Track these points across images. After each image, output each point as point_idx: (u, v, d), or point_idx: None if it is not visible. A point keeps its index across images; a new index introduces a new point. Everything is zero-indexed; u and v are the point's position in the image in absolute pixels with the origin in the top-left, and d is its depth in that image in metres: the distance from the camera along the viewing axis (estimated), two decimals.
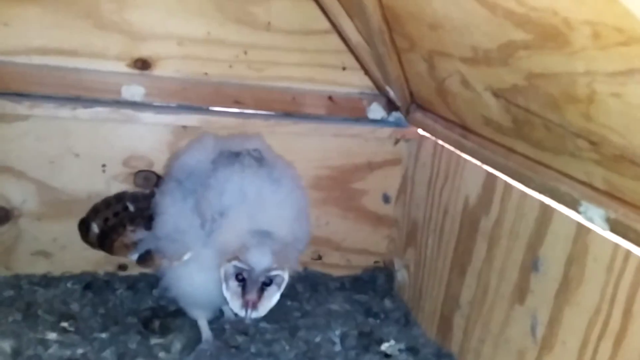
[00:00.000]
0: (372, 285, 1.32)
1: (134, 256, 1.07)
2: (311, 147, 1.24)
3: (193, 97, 1.18)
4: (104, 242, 1.10)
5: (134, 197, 1.14)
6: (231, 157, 0.99)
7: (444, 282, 1.14)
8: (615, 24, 0.51)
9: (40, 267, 1.17)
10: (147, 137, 1.16)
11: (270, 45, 1.20)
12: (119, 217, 1.11)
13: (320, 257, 1.33)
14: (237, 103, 1.21)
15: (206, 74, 1.20)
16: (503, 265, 0.97)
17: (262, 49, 1.20)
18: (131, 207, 1.12)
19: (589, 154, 0.71)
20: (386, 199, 1.32)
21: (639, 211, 0.68)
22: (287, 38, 1.21)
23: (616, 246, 0.75)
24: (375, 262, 1.36)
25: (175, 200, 0.99)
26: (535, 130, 0.79)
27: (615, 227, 0.72)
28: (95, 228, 1.11)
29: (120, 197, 1.14)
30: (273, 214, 0.93)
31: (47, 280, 1.17)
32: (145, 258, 1.06)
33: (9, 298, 1.11)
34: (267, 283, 0.92)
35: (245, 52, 1.20)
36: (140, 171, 1.17)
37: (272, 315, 1.13)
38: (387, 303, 1.26)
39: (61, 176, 1.15)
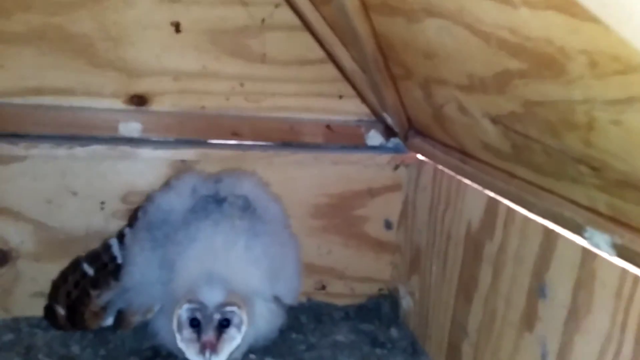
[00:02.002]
0: (377, 314, 1.30)
1: (108, 321, 1.03)
2: (310, 176, 1.23)
3: (191, 131, 1.18)
4: (74, 319, 1.05)
5: (91, 258, 1.09)
6: (212, 205, 0.97)
7: (450, 309, 1.12)
8: (612, 53, 0.51)
9: (39, 309, 1.15)
10: (145, 173, 1.16)
11: (267, 76, 1.21)
12: (81, 287, 1.06)
13: (324, 287, 1.31)
14: (234, 135, 1.20)
15: (203, 107, 1.20)
16: (509, 291, 0.95)
17: (259, 81, 1.21)
18: (90, 271, 1.08)
19: (591, 180, 0.70)
20: (388, 225, 1.31)
21: None
22: (283, 69, 1.21)
23: (624, 271, 0.74)
24: (380, 289, 1.34)
25: (143, 250, 0.96)
26: (535, 155, 0.78)
27: (622, 252, 0.71)
28: (60, 310, 1.06)
29: (75, 264, 1.09)
30: (240, 270, 0.91)
31: (46, 323, 1.15)
32: (120, 319, 1.02)
33: (8, 342, 1.09)
34: (225, 324, 0.89)
35: (242, 84, 1.20)
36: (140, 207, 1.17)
37: (277, 348, 1.12)
38: (393, 332, 1.24)
39: (59, 215, 1.14)
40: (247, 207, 0.98)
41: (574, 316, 0.82)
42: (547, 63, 0.60)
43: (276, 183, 1.16)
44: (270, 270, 0.95)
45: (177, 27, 1.15)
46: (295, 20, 1.19)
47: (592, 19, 0.50)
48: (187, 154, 1.16)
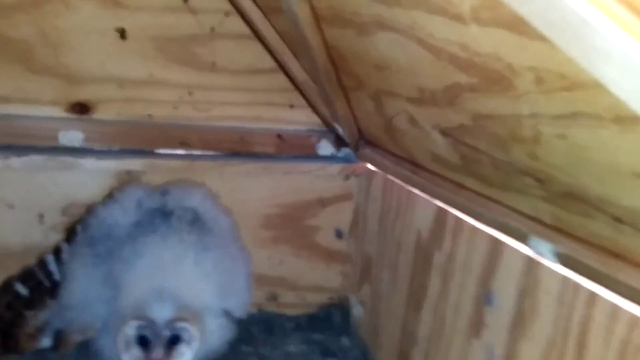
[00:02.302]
0: (329, 323, 1.30)
1: (46, 343, 0.98)
2: (261, 186, 1.22)
3: (136, 140, 1.15)
4: (8, 343, 0.98)
5: (24, 277, 1.03)
6: (159, 218, 0.94)
7: (400, 318, 1.13)
8: (559, 70, 0.53)
9: None
10: (88, 184, 1.11)
11: (216, 85, 1.19)
12: (14, 308, 1.00)
13: (275, 297, 1.30)
14: (183, 144, 1.18)
15: (150, 115, 1.17)
16: (458, 300, 0.97)
17: (208, 89, 1.19)
18: (23, 291, 1.02)
19: (536, 191, 0.72)
20: (339, 234, 1.31)
21: (588, 246, 0.69)
22: (233, 78, 1.19)
23: (565, 278, 0.77)
24: (331, 299, 1.34)
25: (84, 266, 0.92)
26: (483, 167, 0.80)
27: (565, 261, 0.74)
28: None
29: (6, 285, 1.03)
30: (190, 286, 0.89)
31: None
32: (59, 340, 0.97)
33: None
34: (175, 340, 0.86)
35: (190, 93, 1.18)
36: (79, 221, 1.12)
37: None
38: (345, 341, 1.24)
39: None
40: (195, 221, 0.95)
41: (519, 323, 0.84)
42: (496, 78, 0.62)
43: (226, 194, 1.15)
44: (221, 284, 0.93)
45: (122, 33, 1.11)
46: (246, 29, 1.18)
47: (540, 37, 0.52)
48: (133, 164, 1.13)
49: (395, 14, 0.70)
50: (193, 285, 0.89)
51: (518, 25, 0.53)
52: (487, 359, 0.89)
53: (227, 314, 0.99)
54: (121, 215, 0.95)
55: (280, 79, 1.22)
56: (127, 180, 1.12)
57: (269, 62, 1.21)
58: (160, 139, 1.16)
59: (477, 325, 0.92)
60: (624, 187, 0.57)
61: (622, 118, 0.51)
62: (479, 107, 0.70)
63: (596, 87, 0.51)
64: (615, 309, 0.70)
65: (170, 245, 0.90)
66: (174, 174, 1.13)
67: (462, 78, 0.67)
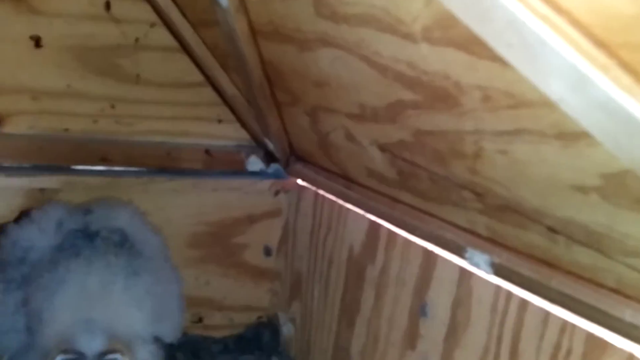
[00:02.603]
0: (258, 344, 1.27)
1: None
2: (188, 204, 1.17)
3: (51, 156, 1.07)
4: None
5: None
6: (82, 240, 0.87)
7: (332, 334, 1.13)
8: (506, 89, 0.56)
9: None
10: None
11: (140, 98, 1.14)
12: None
13: (200, 320, 1.25)
14: (104, 160, 1.11)
15: (67, 130, 1.09)
16: (392, 312, 0.99)
17: (131, 103, 1.13)
18: None
19: (473, 204, 0.76)
20: (267, 251, 1.29)
21: (521, 255, 0.73)
22: (159, 91, 1.15)
23: (498, 287, 0.80)
24: (259, 317, 1.31)
25: None
26: (421, 182, 0.83)
27: (500, 271, 0.77)
28: None
29: None
30: (120, 314, 0.84)
31: None
32: None
33: None
34: None
35: (113, 106, 1.12)
36: None
37: None
38: None
39: None
40: (123, 242, 0.89)
41: (454, 332, 0.87)
42: (442, 96, 0.64)
43: (151, 212, 1.09)
44: (153, 310, 0.88)
45: (37, 41, 1.04)
46: (172, 41, 1.15)
47: (490, 57, 0.55)
48: (47, 181, 1.05)
49: (341, 31, 0.71)
50: (123, 313, 0.83)
51: (469, 45, 0.56)
52: None
53: (157, 340, 0.93)
54: (39, 237, 0.87)
55: (208, 93, 1.19)
56: (40, 199, 1.03)
57: (196, 76, 1.18)
58: (79, 154, 1.09)
59: (411, 337, 0.94)
60: (561, 199, 0.61)
61: (565, 134, 0.54)
62: (421, 124, 0.72)
63: (542, 105, 0.54)
64: (546, 315, 0.74)
65: (96, 269, 0.84)
66: (94, 191, 1.06)
67: (407, 95, 0.69)
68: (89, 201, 1.02)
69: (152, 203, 1.04)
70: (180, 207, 1.16)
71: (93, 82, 1.10)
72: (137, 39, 1.12)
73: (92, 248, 0.86)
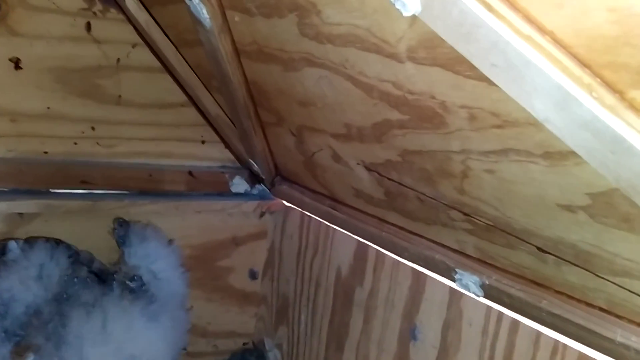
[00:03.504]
0: None
1: None
2: (171, 227, 1.15)
3: (30, 180, 1.04)
4: None
5: None
6: (92, 284, 0.84)
7: (321, 359, 1.10)
8: (492, 109, 0.55)
9: None
10: None
11: (122, 119, 1.12)
12: None
13: (184, 348, 1.21)
14: (84, 183, 1.09)
15: (46, 152, 1.07)
16: (381, 336, 0.97)
17: (113, 124, 1.11)
18: None
19: (461, 224, 0.75)
20: (253, 275, 1.27)
21: (511, 276, 0.72)
22: (140, 112, 1.13)
23: (488, 309, 0.79)
24: (245, 343, 1.28)
25: None
26: (408, 202, 0.82)
27: (490, 292, 0.76)
28: None
29: None
30: (146, 352, 0.82)
31: None
32: None
33: None
34: None
35: (93, 128, 1.10)
36: None
37: None
38: None
39: None
40: (141, 288, 0.86)
41: (444, 356, 0.85)
42: (428, 116, 0.64)
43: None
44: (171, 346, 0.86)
45: (16, 63, 1.02)
46: (154, 62, 1.14)
47: (475, 77, 0.54)
48: (26, 205, 1.02)
49: (326, 51, 0.70)
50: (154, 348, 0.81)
51: (454, 65, 0.55)
52: None
53: None
54: (20, 289, 0.82)
55: (191, 113, 1.18)
56: (19, 223, 1.00)
57: (179, 96, 1.16)
58: (59, 177, 1.06)
59: None
60: (550, 219, 0.60)
61: (552, 154, 0.54)
62: (407, 144, 0.71)
63: (528, 124, 0.54)
64: (537, 337, 0.73)
65: (112, 316, 0.81)
66: (74, 216, 1.04)
67: (393, 115, 0.69)
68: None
69: None
70: (163, 230, 1.13)
71: (73, 103, 1.08)
72: (118, 60, 1.11)
73: (106, 294, 0.83)
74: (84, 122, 1.10)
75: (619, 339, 0.61)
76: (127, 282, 0.87)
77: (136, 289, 0.86)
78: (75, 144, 1.09)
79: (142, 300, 0.87)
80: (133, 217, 1.07)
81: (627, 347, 0.60)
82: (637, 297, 0.57)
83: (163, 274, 0.94)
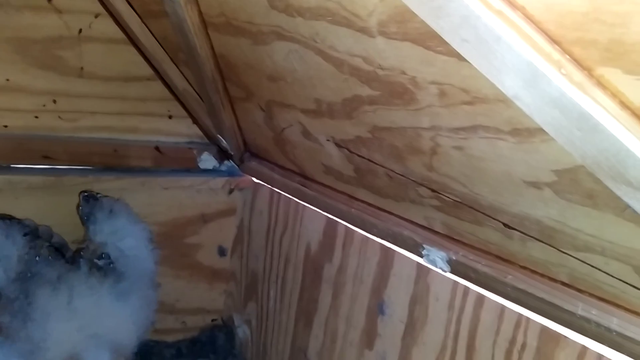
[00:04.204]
0: (212, 347, 1.24)
1: None
2: (138, 203, 1.12)
3: None
4: None
5: None
6: (55, 261, 0.82)
7: (289, 334, 1.11)
8: (462, 85, 0.55)
9: None
10: None
11: (84, 92, 1.09)
12: None
13: (151, 324, 1.20)
14: (46, 158, 1.05)
15: (6, 126, 1.03)
16: (350, 311, 0.98)
17: (75, 97, 1.08)
18: None
19: (430, 201, 0.75)
20: (222, 251, 1.26)
21: (477, 252, 0.73)
22: (104, 85, 1.10)
23: (455, 283, 0.81)
24: (213, 320, 1.28)
25: None
26: (378, 178, 0.82)
27: (456, 267, 0.77)
28: None
29: None
30: (120, 327, 0.81)
31: None
32: None
33: None
34: None
35: (55, 101, 1.06)
36: None
37: None
38: None
39: None
40: (109, 267, 0.84)
41: (411, 330, 0.87)
42: (399, 92, 0.63)
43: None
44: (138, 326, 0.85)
45: None
46: (118, 33, 1.10)
47: (446, 52, 0.54)
48: None
49: (296, 25, 0.69)
50: (121, 326, 0.79)
51: (425, 40, 0.55)
52: None
53: None
54: None
55: (157, 87, 1.15)
56: None
57: (144, 69, 1.13)
58: (19, 152, 1.03)
59: (369, 336, 0.93)
60: (516, 195, 0.61)
61: (520, 130, 0.54)
62: (378, 120, 0.71)
63: (497, 101, 0.54)
64: (502, 311, 0.74)
65: (79, 294, 0.79)
66: (37, 192, 1.00)
67: (364, 91, 0.68)
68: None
69: None
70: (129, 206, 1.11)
71: (34, 75, 1.04)
72: (80, 30, 1.07)
73: (72, 270, 0.80)
74: (45, 95, 1.06)
75: (580, 312, 0.62)
76: (95, 260, 0.84)
77: (104, 266, 0.85)
78: (36, 117, 1.06)
79: (110, 278, 0.85)
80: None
81: (587, 320, 0.62)
82: (598, 271, 0.58)
83: (132, 252, 0.92)
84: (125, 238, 0.95)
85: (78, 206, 0.98)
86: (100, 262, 0.85)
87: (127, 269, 0.89)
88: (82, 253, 0.87)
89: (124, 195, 1.10)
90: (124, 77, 1.12)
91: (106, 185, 1.09)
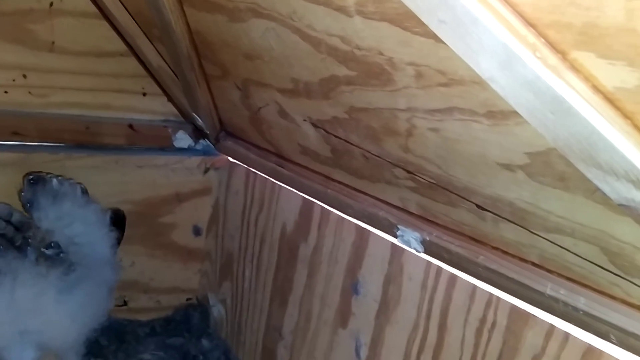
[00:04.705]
0: (187, 326, 1.24)
1: None
2: (110, 181, 1.11)
3: None
4: None
5: None
6: (4, 249, 0.79)
7: (264, 314, 1.12)
8: (439, 67, 0.55)
9: None
10: None
11: (56, 67, 1.06)
12: None
13: (125, 303, 1.20)
14: (16, 135, 1.03)
15: None
16: (324, 291, 0.98)
17: (46, 72, 1.05)
18: None
19: (405, 182, 0.76)
20: (197, 231, 1.25)
21: (451, 232, 0.74)
22: (76, 60, 1.07)
23: (428, 264, 0.82)
24: (188, 299, 1.28)
25: None
26: (354, 159, 0.82)
27: (430, 248, 0.78)
28: None
29: None
30: (55, 325, 0.78)
31: None
32: None
33: None
34: None
35: (25, 76, 1.04)
36: None
37: None
38: (205, 343, 1.20)
39: None
40: (58, 257, 0.81)
41: (385, 309, 0.88)
42: (376, 72, 0.63)
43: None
44: (86, 314, 0.82)
45: None
46: (90, 6, 1.07)
47: (423, 33, 0.54)
48: None
49: (273, 2, 0.68)
50: (56, 324, 0.77)
51: (403, 20, 0.54)
52: (354, 346, 0.92)
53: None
54: None
55: (131, 63, 1.12)
56: None
57: (118, 44, 1.10)
58: None
59: (343, 315, 0.94)
60: (490, 177, 0.62)
61: (494, 113, 0.55)
62: (355, 101, 0.71)
63: (473, 83, 0.54)
64: (473, 290, 0.76)
65: (22, 284, 0.76)
66: (5, 168, 0.98)
67: (341, 71, 0.68)
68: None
69: None
70: (102, 185, 1.09)
71: (3, 49, 1.01)
72: (51, 3, 1.03)
73: (18, 258, 0.77)
74: (15, 70, 1.03)
75: (549, 292, 0.64)
76: (43, 249, 0.81)
77: (52, 256, 0.81)
78: (6, 92, 1.03)
79: (58, 269, 0.81)
80: (69, 171, 1.03)
81: (556, 300, 0.63)
82: (567, 252, 0.60)
83: (82, 238, 0.88)
84: (73, 223, 0.90)
85: (20, 192, 0.91)
86: (49, 252, 0.81)
87: (79, 257, 0.85)
88: (30, 241, 0.83)
89: (96, 174, 1.09)
90: (96, 53, 1.10)
91: (78, 162, 1.07)
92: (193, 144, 1.21)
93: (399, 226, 0.81)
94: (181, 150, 1.20)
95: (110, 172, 1.11)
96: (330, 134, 0.81)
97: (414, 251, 0.82)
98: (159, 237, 1.20)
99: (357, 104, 0.71)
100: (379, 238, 0.89)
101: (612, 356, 0.62)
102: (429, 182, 0.71)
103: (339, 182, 0.90)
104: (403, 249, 0.84)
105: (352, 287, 0.93)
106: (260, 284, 1.12)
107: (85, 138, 1.10)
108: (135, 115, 1.15)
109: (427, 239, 0.78)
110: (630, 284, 0.55)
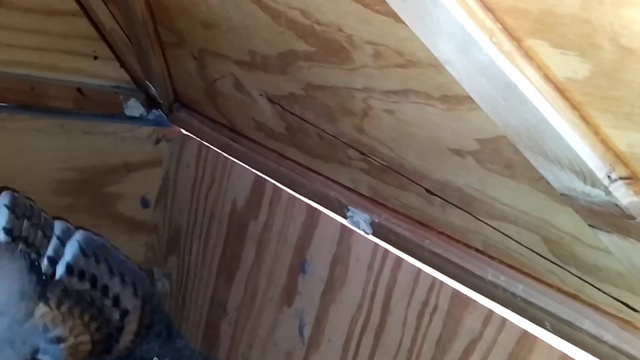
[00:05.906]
0: None
1: None
2: (55, 146, 1.07)
3: None
4: None
5: None
6: None
7: (209, 289, 1.10)
8: (397, 47, 0.55)
9: None
10: None
11: (2, 23, 1.00)
12: None
13: None
14: None
15: None
16: (272, 269, 0.98)
17: None
18: None
19: (358, 163, 0.76)
20: (144, 203, 1.22)
21: (399, 216, 0.75)
22: (23, 17, 1.02)
23: (376, 245, 0.82)
24: None
25: None
26: (309, 138, 0.81)
27: (378, 230, 0.79)
28: None
29: None
30: None
31: None
32: None
33: None
34: None
35: None
36: None
37: None
38: None
39: None
40: None
41: (330, 289, 0.88)
42: (335, 49, 0.62)
43: (10, 153, 0.98)
44: None
45: None
46: None
47: (383, 12, 0.53)
48: None
49: None
50: None
51: None
52: (298, 324, 0.92)
53: None
54: None
55: (83, 24, 1.07)
56: None
57: (68, 4, 1.05)
58: None
59: (289, 293, 0.94)
60: (440, 162, 0.62)
61: (449, 97, 0.55)
62: (312, 77, 0.70)
63: (429, 66, 0.54)
64: (417, 274, 0.77)
65: None
66: None
67: (300, 46, 0.66)
68: None
69: (11, 143, 0.93)
70: (46, 149, 1.05)
71: None
72: None
73: None
74: None
75: (490, 277, 0.65)
76: None
77: None
78: None
79: None
80: (11, 133, 0.98)
81: (496, 286, 0.65)
82: (510, 240, 0.61)
83: None
84: None
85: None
86: None
87: None
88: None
89: (40, 137, 1.04)
90: (45, 10, 1.04)
91: (21, 124, 1.02)
92: (145, 113, 1.17)
93: (349, 207, 0.81)
94: (132, 118, 1.17)
95: (55, 137, 1.06)
96: (286, 110, 0.80)
97: (362, 232, 0.82)
98: (104, 207, 1.17)
99: (315, 81, 0.70)
100: (329, 218, 0.89)
101: (546, 342, 0.64)
102: (381, 164, 0.71)
103: (293, 161, 0.89)
104: (352, 230, 0.85)
105: (299, 266, 0.93)
106: (207, 260, 1.11)
107: (30, 99, 1.05)
108: (84, 79, 1.11)
109: (376, 221, 0.78)
110: (566, 272, 0.57)
